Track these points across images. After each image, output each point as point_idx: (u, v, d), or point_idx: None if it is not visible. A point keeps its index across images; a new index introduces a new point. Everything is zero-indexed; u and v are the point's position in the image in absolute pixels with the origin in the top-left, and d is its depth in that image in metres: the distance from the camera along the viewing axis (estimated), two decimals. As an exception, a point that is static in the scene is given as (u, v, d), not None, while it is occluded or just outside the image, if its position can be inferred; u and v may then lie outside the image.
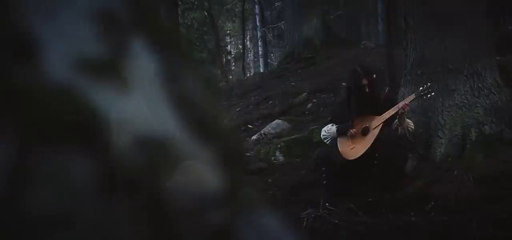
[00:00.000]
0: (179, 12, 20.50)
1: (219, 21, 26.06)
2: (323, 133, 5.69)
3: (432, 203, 4.83)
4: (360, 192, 5.33)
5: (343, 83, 7.92)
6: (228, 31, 30.03)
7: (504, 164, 4.88)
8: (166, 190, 0.37)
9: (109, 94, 0.37)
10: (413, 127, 5.38)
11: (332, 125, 5.58)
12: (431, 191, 4.98)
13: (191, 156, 0.40)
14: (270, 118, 8.75)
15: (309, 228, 4.90)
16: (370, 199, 5.09)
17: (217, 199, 0.40)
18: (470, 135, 5.48)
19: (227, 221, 0.40)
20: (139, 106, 0.38)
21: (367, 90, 5.34)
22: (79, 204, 0.33)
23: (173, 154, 0.38)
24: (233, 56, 31.14)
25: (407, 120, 5.33)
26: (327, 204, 5.06)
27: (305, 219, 4.98)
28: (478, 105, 5.59)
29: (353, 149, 5.35)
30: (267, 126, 8.11)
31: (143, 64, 0.40)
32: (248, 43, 30.15)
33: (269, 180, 5.99)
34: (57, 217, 0.32)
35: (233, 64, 30.62)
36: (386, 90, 7.08)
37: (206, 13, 21.82)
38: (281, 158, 6.75)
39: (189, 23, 23.85)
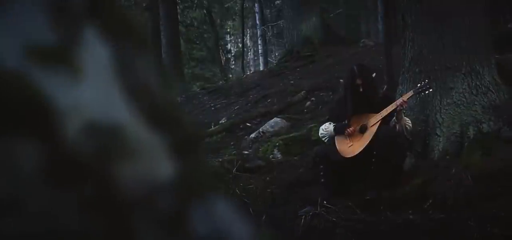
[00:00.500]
0: (179, 10, 20.53)
1: (219, 20, 26.09)
2: (321, 131, 5.70)
3: (430, 201, 4.84)
4: (358, 190, 5.33)
5: (341, 80, 7.92)
6: (228, 30, 30.04)
7: (502, 162, 4.87)
8: (117, 178, 0.37)
9: (61, 81, 0.36)
10: (411, 125, 5.38)
11: (330, 124, 5.59)
12: (429, 189, 4.97)
13: (144, 143, 0.40)
14: (268, 116, 8.75)
15: (307, 226, 4.90)
16: (368, 197, 5.10)
17: (169, 186, 0.40)
18: (468, 133, 5.47)
19: (179, 208, 0.40)
20: (91, 94, 0.37)
21: (361, 89, 5.34)
22: (27, 191, 0.33)
23: (125, 142, 0.38)
24: (233, 54, 31.15)
25: (405, 118, 5.33)
26: (325, 202, 5.07)
27: (303, 217, 4.99)
28: (476, 103, 5.58)
29: (351, 147, 5.35)
30: (266, 124, 8.10)
31: (96, 52, 0.39)
32: (248, 41, 30.19)
33: (267, 178, 5.99)
34: (4, 203, 0.32)
35: (233, 62, 30.64)
36: (384, 88, 7.07)
37: (205, 12, 21.82)
38: (279, 156, 6.74)
39: (189, 22, 23.86)
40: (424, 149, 5.67)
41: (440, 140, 5.56)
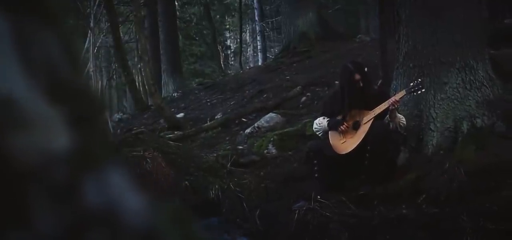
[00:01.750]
0: (177, 7, 20.54)
1: (218, 16, 26.13)
2: (315, 125, 5.70)
3: (424, 195, 4.84)
4: (351, 185, 5.34)
5: (336, 82, 7.92)
6: (227, 26, 30.08)
7: (495, 157, 4.87)
8: (10, 149, 0.37)
9: None
10: (405, 122, 5.38)
11: (324, 118, 5.59)
12: (423, 183, 4.98)
13: (39, 115, 0.39)
14: (264, 111, 8.75)
15: (300, 220, 4.90)
16: (361, 192, 5.10)
17: (64, 157, 0.40)
18: (462, 128, 5.48)
19: (72, 179, 0.40)
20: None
21: (360, 84, 5.34)
22: None
23: (18, 113, 0.38)
24: (232, 50, 31.20)
25: (399, 115, 5.33)
26: (318, 197, 5.06)
27: (297, 211, 4.99)
28: (470, 98, 5.59)
29: (344, 144, 5.35)
30: (261, 120, 8.11)
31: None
32: (247, 37, 30.25)
33: (262, 173, 6.00)
34: None
35: (233, 58, 30.68)
36: (379, 83, 7.08)
37: (202, 8, 21.83)
38: (274, 151, 6.75)
39: (188, 18, 23.89)
40: (418, 144, 5.68)
41: (434, 135, 5.57)
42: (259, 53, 24.10)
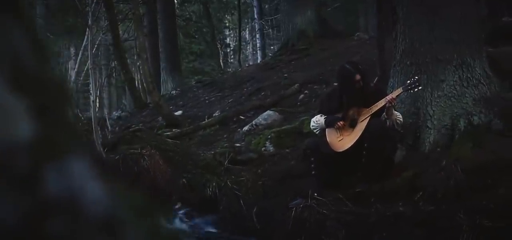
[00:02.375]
0: (177, 5, 20.54)
1: (218, 14, 26.15)
2: (312, 123, 5.70)
3: (421, 193, 4.84)
4: (349, 183, 5.34)
5: (335, 84, 7.91)
6: (227, 24, 30.10)
7: (492, 154, 4.87)
8: None
9: None
10: (401, 120, 5.38)
11: (321, 116, 5.59)
12: (420, 181, 4.97)
13: (0, 104, 0.39)
14: (262, 109, 8.75)
15: (297, 217, 4.91)
16: (358, 190, 5.10)
17: (26, 146, 0.40)
18: (459, 125, 5.48)
19: (33, 167, 0.40)
20: None
21: (361, 84, 5.35)
22: None
23: None
24: (232, 48, 31.24)
25: (396, 112, 5.33)
26: (315, 194, 5.06)
27: (294, 209, 4.99)
28: (466, 95, 5.59)
29: (341, 141, 5.35)
30: (259, 117, 8.11)
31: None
32: (247, 35, 30.26)
33: (259, 170, 6.00)
34: None
35: (232, 56, 30.73)
36: (375, 81, 7.08)
37: (202, 6, 21.84)
38: (271, 148, 6.75)
39: (188, 16, 23.91)
40: (415, 141, 5.68)
41: (431, 133, 5.57)
42: (258, 51, 24.10)
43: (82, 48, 7.17)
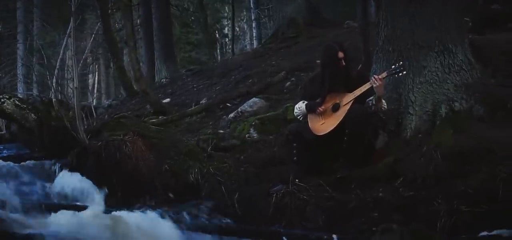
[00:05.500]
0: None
1: (215, 4, 26.18)
2: (295, 110, 5.71)
3: (401, 178, 4.85)
4: (330, 168, 5.35)
5: (318, 61, 7.91)
6: (225, 14, 30.11)
7: (472, 140, 4.88)
8: None
9: None
10: (386, 107, 5.39)
11: (303, 102, 5.60)
12: (401, 167, 4.99)
13: None
14: (248, 96, 8.74)
15: (278, 203, 4.92)
16: (339, 175, 5.11)
17: None
18: (440, 111, 5.50)
19: None
20: None
21: (343, 63, 5.36)
22: None
23: None
24: (230, 39, 31.24)
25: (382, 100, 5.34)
26: (297, 180, 5.07)
27: (274, 194, 5.00)
28: (448, 81, 5.60)
29: (323, 125, 5.35)
30: (244, 104, 8.11)
31: None
32: (245, 25, 30.27)
33: (242, 157, 6.00)
34: None
35: (230, 46, 30.76)
36: (359, 67, 7.08)
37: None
38: (255, 135, 6.75)
39: (185, 6, 23.91)
40: (397, 127, 5.69)
41: (413, 119, 5.59)
42: (254, 41, 24.10)
43: (66, 35, 7.15)
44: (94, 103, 19.22)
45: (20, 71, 19.58)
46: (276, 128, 6.76)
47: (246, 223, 4.89)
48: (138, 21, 19.17)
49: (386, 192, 4.73)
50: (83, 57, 16.85)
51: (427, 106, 5.57)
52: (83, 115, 6.50)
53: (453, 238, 4.05)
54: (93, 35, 14.59)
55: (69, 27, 6.41)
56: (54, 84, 8.27)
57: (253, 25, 24.63)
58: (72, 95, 6.12)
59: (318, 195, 4.89)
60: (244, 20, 30.76)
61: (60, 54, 8.29)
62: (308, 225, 4.66)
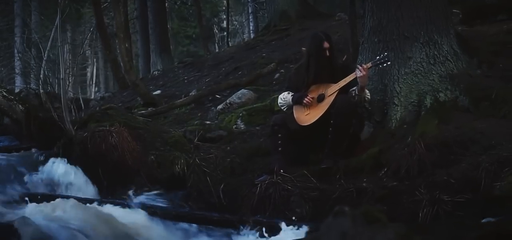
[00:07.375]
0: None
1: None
2: (279, 100, 5.73)
3: (385, 169, 4.88)
4: (315, 159, 5.36)
5: (303, 48, 7.92)
6: (224, 8, 30.16)
7: (456, 131, 4.91)
8: None
9: None
10: (369, 97, 5.41)
11: (289, 93, 5.61)
12: (385, 157, 5.01)
13: None
14: (237, 87, 8.74)
15: (262, 194, 4.92)
16: (324, 166, 5.12)
17: None
18: (425, 102, 5.51)
19: None
20: None
21: (328, 53, 5.37)
22: None
23: None
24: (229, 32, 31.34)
25: (366, 90, 5.36)
26: (281, 170, 5.07)
27: (259, 185, 5.00)
28: (433, 72, 5.61)
29: (308, 115, 5.37)
30: (233, 96, 8.11)
31: None
32: (243, 19, 30.31)
33: (228, 147, 6.00)
34: None
35: (229, 39, 30.83)
36: (344, 58, 7.09)
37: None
38: (242, 126, 6.76)
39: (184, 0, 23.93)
40: (383, 118, 5.71)
41: (398, 109, 5.60)
42: (251, 34, 24.11)
43: (54, 27, 7.13)
44: (93, 96, 19.23)
45: (17, 64, 19.57)
46: (263, 119, 6.77)
47: (230, 213, 4.89)
48: (135, 14, 19.18)
49: (370, 182, 4.75)
50: (81, 51, 16.84)
51: (412, 97, 5.58)
52: (71, 107, 6.50)
53: (435, 226, 4.09)
54: (91, 29, 14.55)
55: (57, 19, 6.38)
56: (41, 76, 8.26)
57: (250, 18, 24.63)
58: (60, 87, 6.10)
59: (302, 185, 4.90)
60: (243, 14, 30.82)
61: (48, 46, 8.26)
62: (292, 215, 4.67)
